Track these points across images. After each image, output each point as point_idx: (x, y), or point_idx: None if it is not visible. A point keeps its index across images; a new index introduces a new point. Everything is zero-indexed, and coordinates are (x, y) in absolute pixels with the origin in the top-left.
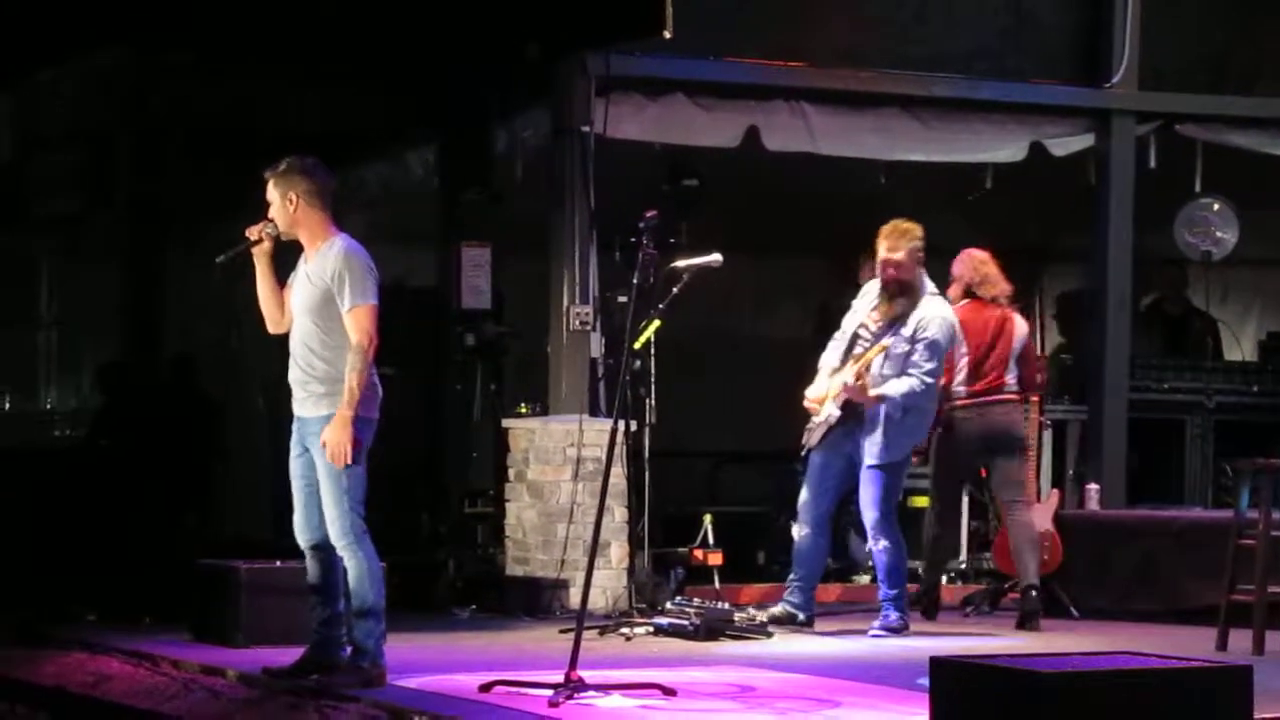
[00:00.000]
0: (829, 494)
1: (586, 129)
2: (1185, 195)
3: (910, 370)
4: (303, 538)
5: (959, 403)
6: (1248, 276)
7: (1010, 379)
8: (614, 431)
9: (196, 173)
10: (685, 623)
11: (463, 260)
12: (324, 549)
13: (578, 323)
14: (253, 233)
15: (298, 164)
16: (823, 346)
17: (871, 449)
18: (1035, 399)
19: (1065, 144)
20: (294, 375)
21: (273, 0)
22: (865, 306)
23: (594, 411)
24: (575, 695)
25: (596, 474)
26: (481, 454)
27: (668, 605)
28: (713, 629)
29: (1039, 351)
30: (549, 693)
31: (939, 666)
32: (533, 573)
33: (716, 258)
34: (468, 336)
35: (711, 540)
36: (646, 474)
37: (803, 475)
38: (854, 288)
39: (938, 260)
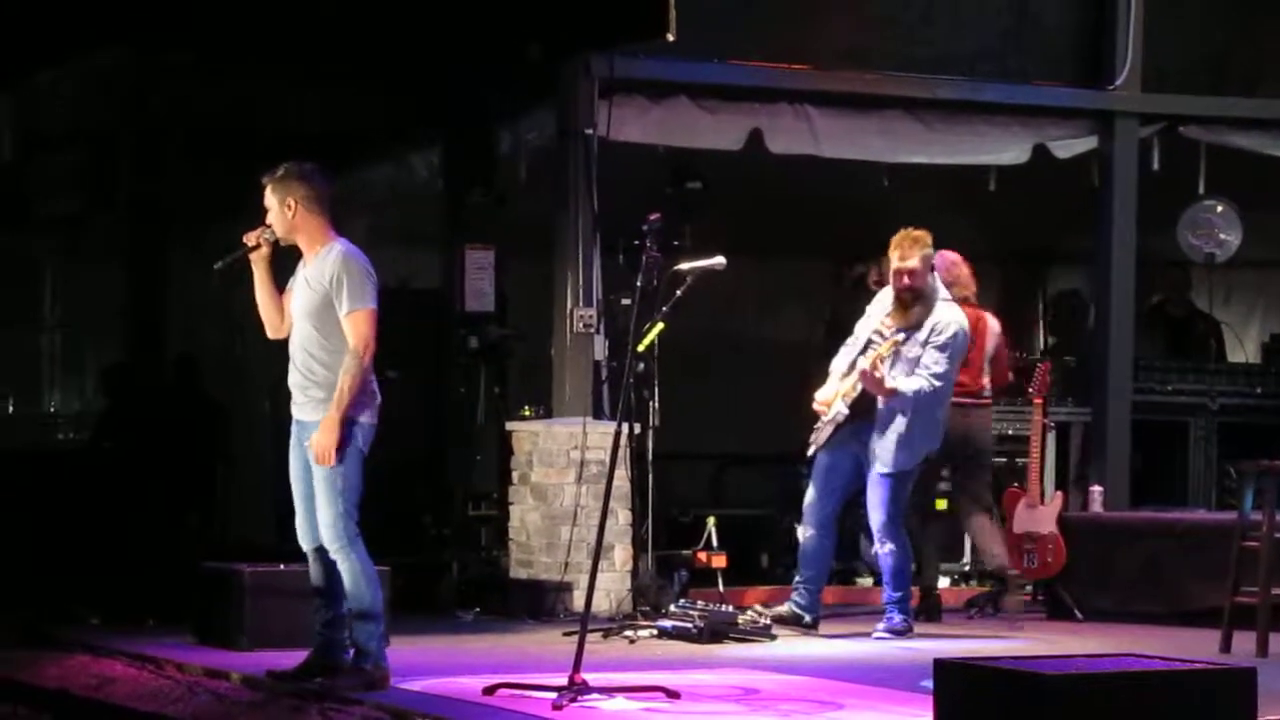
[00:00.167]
0: (835, 495)
1: (590, 131)
2: (1188, 197)
3: (919, 371)
4: (305, 540)
5: None
6: (1251, 278)
7: (985, 381)
8: (617, 434)
9: (197, 173)
10: (689, 625)
11: (466, 263)
12: (324, 550)
13: (581, 325)
14: (250, 238)
15: (295, 169)
16: (834, 351)
17: (883, 455)
18: (1038, 401)
19: (1069, 146)
20: (293, 379)
21: (273, 0)
22: (879, 313)
23: (598, 414)
24: (579, 698)
25: (600, 476)
26: (485, 456)
27: (671, 608)
28: (716, 632)
29: (1039, 352)
30: (553, 695)
31: (942, 669)
32: (536, 575)
33: (720, 260)
34: (471, 339)
35: (715, 543)
36: (650, 477)
37: (807, 477)
38: (847, 291)
39: None
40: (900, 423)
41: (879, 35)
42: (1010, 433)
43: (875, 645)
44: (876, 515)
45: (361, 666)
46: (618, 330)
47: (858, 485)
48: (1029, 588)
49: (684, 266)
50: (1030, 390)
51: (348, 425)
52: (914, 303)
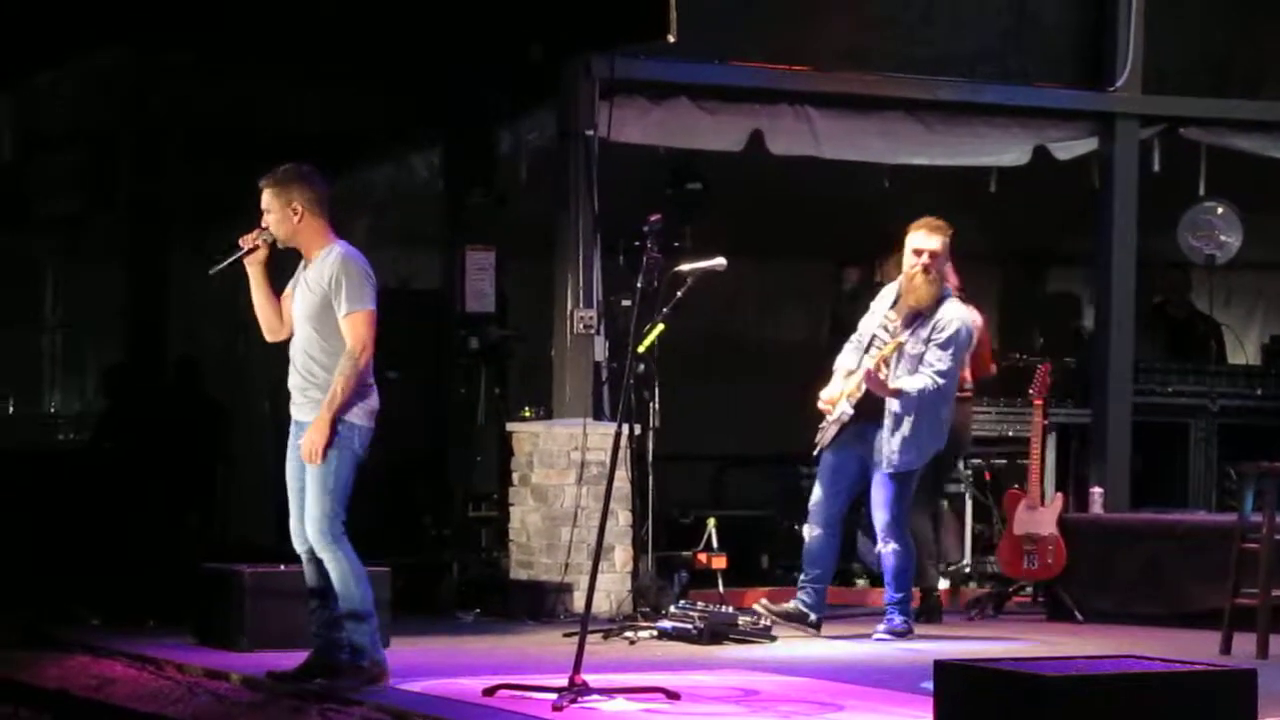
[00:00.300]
0: (841, 496)
1: (591, 132)
2: (1189, 199)
3: (923, 369)
4: (299, 542)
5: None
6: (1251, 280)
7: (966, 374)
8: (618, 435)
9: (197, 173)
10: (689, 626)
11: (467, 263)
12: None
13: (582, 326)
14: (247, 241)
15: (297, 172)
16: (838, 349)
17: (888, 455)
18: (1039, 402)
19: (1069, 148)
20: (293, 381)
21: (273, 0)
22: (883, 309)
23: (598, 415)
24: (579, 699)
25: (600, 478)
26: (485, 457)
27: (671, 609)
28: (716, 633)
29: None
30: (553, 696)
31: (943, 670)
32: (537, 576)
33: (720, 261)
34: (472, 340)
35: (715, 544)
36: (650, 478)
37: (808, 478)
38: (846, 295)
39: None
40: (906, 423)
41: (879, 36)
42: (1010, 434)
43: (875, 646)
44: (880, 515)
45: (359, 665)
46: (618, 331)
47: (863, 485)
48: (1028, 589)
49: (684, 268)
50: (1030, 392)
51: (344, 427)
52: (926, 284)
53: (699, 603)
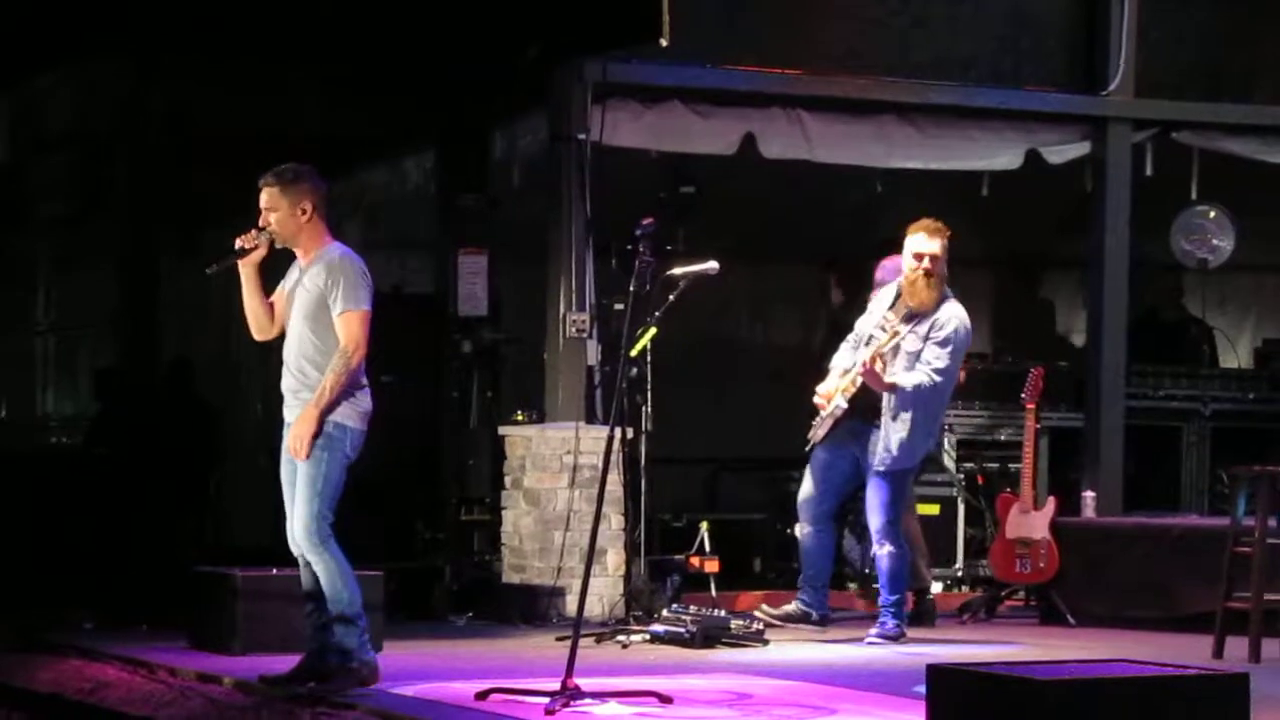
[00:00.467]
0: (832, 493)
1: (583, 136)
2: (1181, 202)
3: (920, 366)
4: (295, 545)
5: None
6: (1244, 284)
7: None
8: (610, 439)
9: (192, 177)
10: (682, 630)
11: (460, 267)
12: None
13: (574, 330)
14: (246, 241)
15: (305, 173)
16: (834, 351)
17: (882, 455)
18: (1031, 406)
19: (1061, 151)
20: (287, 383)
21: (270, 5)
22: (881, 309)
23: (591, 419)
24: (572, 703)
25: (593, 481)
26: (478, 461)
27: (664, 613)
28: (709, 636)
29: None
30: (546, 700)
31: (936, 674)
32: (529, 580)
33: (713, 265)
34: (465, 343)
35: (708, 547)
36: (643, 481)
37: (800, 480)
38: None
39: None
40: (901, 423)
41: (872, 40)
42: (1003, 438)
43: (868, 650)
44: (876, 517)
45: (349, 666)
46: (611, 334)
47: (855, 484)
48: (1020, 593)
49: (677, 271)
50: (1023, 396)
51: (335, 429)
52: (929, 285)
53: (692, 606)
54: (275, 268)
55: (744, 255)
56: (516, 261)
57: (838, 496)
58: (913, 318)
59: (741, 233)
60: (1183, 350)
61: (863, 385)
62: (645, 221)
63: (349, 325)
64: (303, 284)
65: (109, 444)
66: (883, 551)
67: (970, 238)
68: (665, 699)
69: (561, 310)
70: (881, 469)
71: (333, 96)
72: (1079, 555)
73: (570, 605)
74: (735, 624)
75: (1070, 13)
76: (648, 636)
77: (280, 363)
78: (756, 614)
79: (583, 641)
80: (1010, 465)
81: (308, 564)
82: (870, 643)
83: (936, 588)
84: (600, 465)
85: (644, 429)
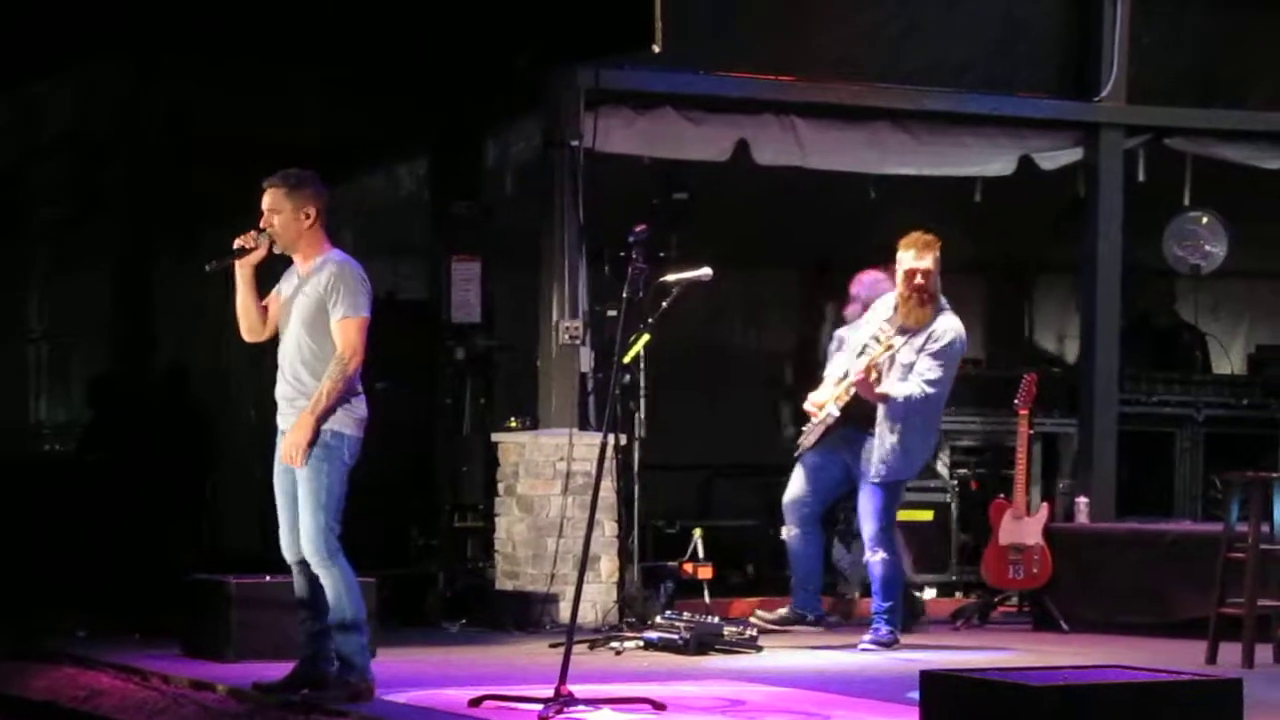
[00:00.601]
0: (819, 496)
1: (576, 142)
2: (1174, 208)
3: (913, 378)
4: (289, 553)
5: None
6: (1236, 289)
7: None
8: (603, 445)
9: (188, 182)
10: (675, 637)
11: (453, 273)
12: (309, 563)
13: (567, 336)
14: (246, 241)
15: (310, 178)
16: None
17: (877, 465)
18: (1024, 412)
19: (1054, 158)
20: (282, 390)
21: (268, 10)
22: (878, 319)
23: (584, 425)
24: (565, 710)
25: (586, 488)
26: (471, 468)
27: (657, 619)
28: (702, 643)
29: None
30: (539, 707)
31: (929, 680)
32: (523, 586)
33: (706, 271)
34: (458, 350)
35: (701, 554)
36: (636, 488)
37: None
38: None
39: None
40: (895, 432)
41: (865, 46)
42: (996, 444)
43: (861, 656)
44: (869, 525)
45: (346, 679)
46: (604, 341)
47: (844, 491)
48: (1013, 599)
49: (670, 278)
50: (1016, 402)
51: (333, 438)
52: (922, 304)
53: (685, 613)
54: (268, 271)
55: (736, 262)
56: (509, 268)
57: (825, 500)
58: (908, 329)
59: (734, 239)
60: (1175, 356)
61: (856, 394)
62: (638, 228)
63: (347, 332)
64: (303, 290)
65: (102, 451)
66: (875, 559)
67: (963, 243)
68: (659, 706)
69: (554, 317)
70: (876, 479)
71: (327, 103)
72: (1072, 561)
73: (564, 612)
74: (728, 630)
75: (1063, 19)
76: (641, 643)
77: (272, 369)
78: (751, 619)
79: (576, 648)
80: (1003, 471)
81: (301, 571)
82: (864, 649)
83: (929, 593)
84: (593, 472)
85: (637, 435)
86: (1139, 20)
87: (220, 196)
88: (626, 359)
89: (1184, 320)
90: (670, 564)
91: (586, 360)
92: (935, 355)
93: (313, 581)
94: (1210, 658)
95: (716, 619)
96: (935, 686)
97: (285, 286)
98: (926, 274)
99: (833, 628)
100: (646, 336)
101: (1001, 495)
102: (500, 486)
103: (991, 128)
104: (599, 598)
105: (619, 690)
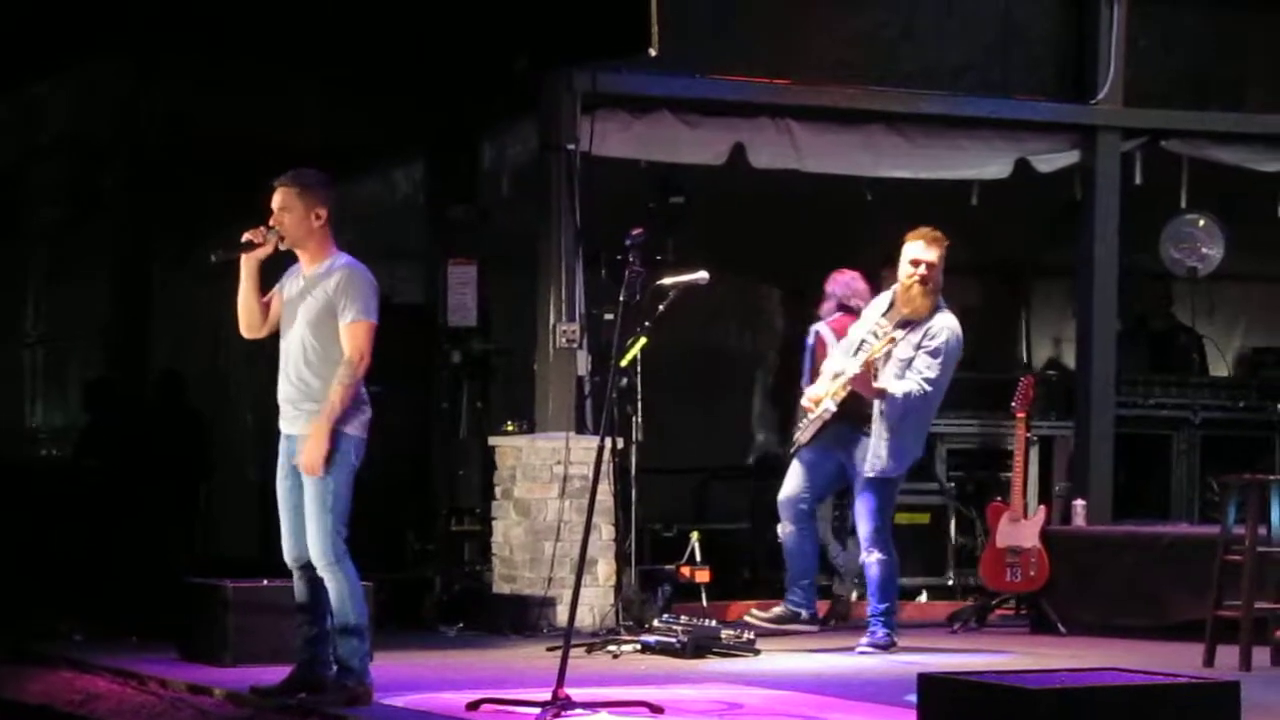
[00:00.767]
0: (813, 492)
1: (572, 146)
2: (1171, 211)
3: (910, 374)
4: (290, 557)
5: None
6: (1233, 292)
7: None
8: (600, 448)
9: (184, 186)
10: (672, 640)
11: (449, 277)
12: (312, 568)
13: (564, 340)
14: (255, 236)
15: (322, 179)
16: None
17: (873, 462)
18: (1021, 415)
19: (1051, 160)
20: (285, 393)
21: (266, 13)
22: (875, 315)
23: (581, 429)
24: (562, 713)
25: (583, 491)
26: (468, 471)
27: (655, 623)
28: (700, 646)
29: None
30: (536, 711)
31: (927, 683)
32: (520, 590)
33: (703, 275)
34: (454, 353)
35: (698, 557)
36: (633, 491)
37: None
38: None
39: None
40: (889, 430)
41: (861, 49)
42: (993, 447)
43: (859, 659)
44: (864, 525)
45: (344, 683)
46: (601, 345)
47: (838, 488)
48: (1011, 602)
49: (666, 281)
50: (1013, 405)
51: (341, 440)
52: (924, 293)
53: (682, 616)
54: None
55: (733, 265)
56: (506, 271)
57: (816, 496)
58: (906, 325)
59: (731, 243)
60: (1172, 359)
61: (852, 390)
62: (635, 231)
63: (355, 335)
64: (310, 292)
65: (98, 455)
66: (871, 559)
67: (959, 246)
68: (656, 709)
69: (551, 320)
70: (870, 475)
71: (328, 103)
72: (1069, 564)
73: (561, 615)
74: (726, 634)
75: (1059, 22)
76: (638, 646)
77: (269, 372)
78: (746, 618)
79: (573, 652)
80: (1000, 474)
81: (302, 576)
82: (861, 652)
83: (921, 597)
84: (590, 475)
85: (634, 439)
86: (1135, 23)
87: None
88: (623, 362)
89: (1181, 323)
90: (667, 567)
91: (583, 363)
92: (933, 353)
93: (313, 586)
94: (1207, 660)
95: (714, 622)
96: (933, 689)
97: (289, 286)
98: (931, 265)
99: (829, 629)
100: (643, 340)
101: (998, 498)
102: (497, 490)
103: (988, 130)
104: (596, 601)
105: (616, 694)
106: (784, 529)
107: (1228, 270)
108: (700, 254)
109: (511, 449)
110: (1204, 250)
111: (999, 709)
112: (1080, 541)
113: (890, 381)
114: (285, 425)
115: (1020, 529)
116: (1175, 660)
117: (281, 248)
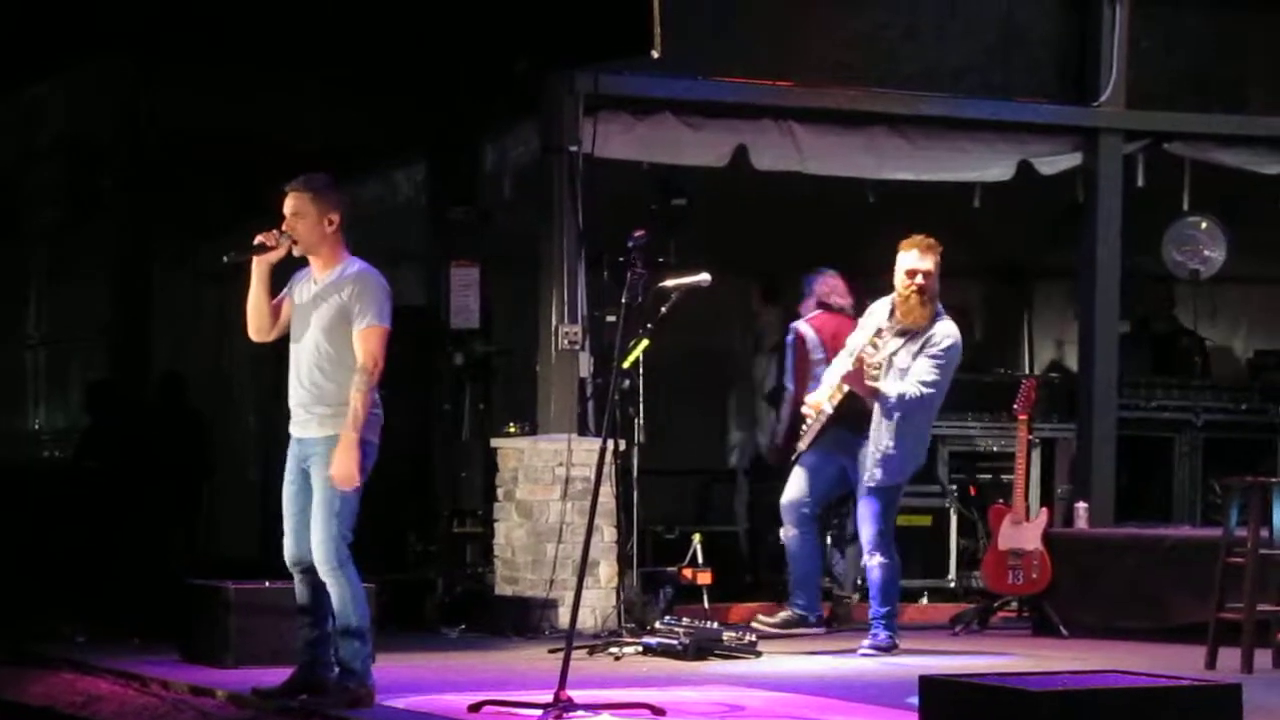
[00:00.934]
0: (815, 496)
1: (575, 148)
2: (1173, 213)
3: (909, 377)
4: (291, 560)
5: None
6: (1235, 294)
7: None
8: (602, 450)
9: (185, 188)
10: (674, 642)
11: (451, 279)
12: (312, 570)
13: (566, 342)
14: (268, 239)
15: (334, 184)
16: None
17: (874, 470)
18: (1023, 417)
19: (1053, 163)
20: (297, 397)
21: (266, 15)
22: (873, 325)
23: (583, 430)
24: (564, 715)
25: (585, 493)
26: (470, 473)
27: (657, 624)
28: (702, 648)
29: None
30: (538, 712)
31: (928, 685)
32: (522, 592)
33: (705, 277)
34: (456, 355)
35: (700, 559)
36: (635, 493)
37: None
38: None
39: None
40: (891, 436)
41: (863, 51)
42: (995, 449)
43: (860, 662)
44: (867, 529)
45: (346, 685)
46: (603, 346)
47: (841, 492)
48: (1013, 604)
49: (668, 283)
50: (1015, 407)
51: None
52: (922, 303)
53: (684, 618)
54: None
55: (735, 267)
56: (508, 273)
57: (818, 500)
58: (905, 333)
59: (733, 245)
60: (1174, 361)
61: (849, 393)
62: (637, 233)
63: (369, 341)
64: (323, 297)
65: (100, 457)
66: (874, 562)
67: (962, 249)
68: (658, 711)
69: (553, 322)
70: (873, 483)
71: (329, 105)
72: (1071, 566)
73: (563, 617)
74: (728, 636)
75: (1061, 24)
76: (640, 648)
77: (272, 374)
78: (754, 624)
79: (575, 653)
80: (1002, 476)
81: (303, 578)
82: (863, 654)
83: (923, 600)
84: (592, 477)
85: (636, 440)
86: (1138, 25)
87: (219, 199)
88: (625, 364)
89: (1183, 325)
90: (669, 569)
91: (585, 365)
92: (934, 358)
93: (314, 588)
94: (1209, 663)
95: (716, 624)
96: (934, 692)
97: (300, 290)
98: (927, 274)
99: (831, 632)
100: (646, 341)
101: (1001, 500)
102: (499, 492)
103: (990, 133)
104: (598, 603)
105: (618, 695)
106: (786, 533)
107: (1230, 273)
108: (702, 256)
109: (513, 451)
110: (1206, 253)
111: (1001, 711)
112: (1082, 544)
113: (885, 382)
114: (296, 429)
115: (1022, 531)
116: (1177, 663)
117: (295, 253)
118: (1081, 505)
